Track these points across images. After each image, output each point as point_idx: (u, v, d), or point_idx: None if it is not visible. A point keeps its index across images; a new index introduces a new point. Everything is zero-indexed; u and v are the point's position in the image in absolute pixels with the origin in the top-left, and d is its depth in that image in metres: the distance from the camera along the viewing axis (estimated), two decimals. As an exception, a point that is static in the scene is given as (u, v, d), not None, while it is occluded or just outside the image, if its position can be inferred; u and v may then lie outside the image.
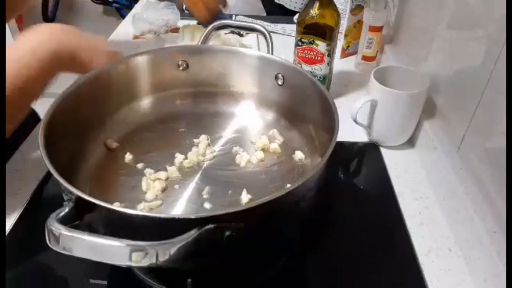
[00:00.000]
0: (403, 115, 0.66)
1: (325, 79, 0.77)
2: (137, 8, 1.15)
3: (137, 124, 0.62)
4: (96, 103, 0.57)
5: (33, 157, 0.65)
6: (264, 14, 1.36)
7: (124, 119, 0.61)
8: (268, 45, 0.66)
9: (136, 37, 1.03)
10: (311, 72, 0.75)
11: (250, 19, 1.11)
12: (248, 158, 0.58)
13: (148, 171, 0.56)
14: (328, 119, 0.49)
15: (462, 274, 0.50)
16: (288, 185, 0.48)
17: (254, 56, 0.62)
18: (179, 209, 0.52)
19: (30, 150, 0.67)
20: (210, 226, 0.35)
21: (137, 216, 0.37)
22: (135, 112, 0.63)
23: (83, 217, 0.38)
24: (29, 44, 0.50)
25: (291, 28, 1.06)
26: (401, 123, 0.67)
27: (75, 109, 0.52)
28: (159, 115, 0.64)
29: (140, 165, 0.57)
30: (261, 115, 0.65)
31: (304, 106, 0.58)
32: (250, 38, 1.02)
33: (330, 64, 0.75)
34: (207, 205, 0.52)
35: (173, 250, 0.33)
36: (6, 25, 1.84)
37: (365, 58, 0.89)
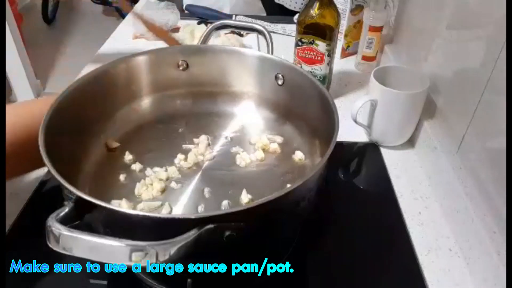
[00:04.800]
0: (403, 115, 0.66)
1: (325, 79, 0.77)
2: (137, 8, 1.15)
3: (137, 124, 0.62)
4: (96, 103, 0.57)
5: (33, 157, 0.65)
6: (264, 14, 1.36)
7: (124, 119, 0.61)
8: (268, 45, 0.66)
9: (136, 37, 1.03)
10: (311, 72, 0.75)
11: (250, 19, 1.11)
12: (248, 158, 0.58)
13: (148, 171, 0.56)
14: (328, 119, 0.49)
15: (462, 274, 0.50)
16: (288, 185, 0.48)
17: (254, 56, 0.62)
18: (179, 209, 0.52)
19: (30, 150, 0.67)
20: (210, 226, 0.35)
21: (137, 216, 0.37)
22: (135, 112, 0.63)
23: (83, 217, 0.38)
24: None
25: (291, 28, 1.06)
26: (401, 123, 0.67)
27: (75, 109, 0.52)
28: (159, 115, 0.64)
29: (140, 165, 0.56)
30: (261, 115, 0.65)
31: (304, 106, 0.58)
32: (250, 38, 1.03)
33: (330, 64, 0.75)
34: (207, 205, 0.52)
35: (173, 250, 0.33)
36: (6, 24, 1.84)
37: (365, 58, 0.89)
